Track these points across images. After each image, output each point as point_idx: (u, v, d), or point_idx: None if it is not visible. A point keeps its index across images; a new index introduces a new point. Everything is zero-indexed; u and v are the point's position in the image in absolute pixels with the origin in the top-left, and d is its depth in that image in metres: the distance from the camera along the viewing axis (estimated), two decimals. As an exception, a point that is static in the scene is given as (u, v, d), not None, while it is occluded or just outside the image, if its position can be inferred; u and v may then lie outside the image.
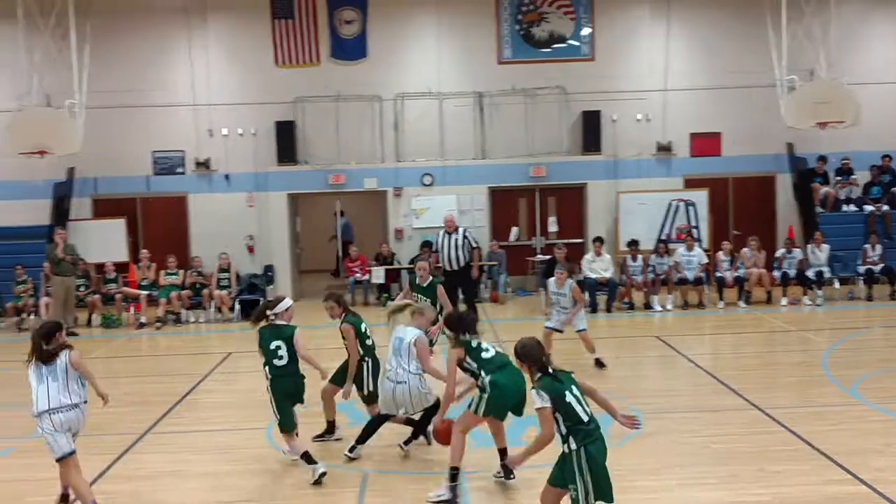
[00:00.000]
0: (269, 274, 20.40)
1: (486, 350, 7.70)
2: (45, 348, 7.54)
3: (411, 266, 19.86)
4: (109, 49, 19.88)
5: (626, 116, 20.96)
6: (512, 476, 7.72)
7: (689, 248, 18.16)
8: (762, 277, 17.86)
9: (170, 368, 14.29)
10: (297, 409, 8.37)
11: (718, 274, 18.06)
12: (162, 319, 17.94)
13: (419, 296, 11.32)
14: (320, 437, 9.28)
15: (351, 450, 8.62)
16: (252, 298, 18.62)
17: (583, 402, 5.98)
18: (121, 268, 19.22)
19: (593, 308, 17.26)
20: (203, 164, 20.93)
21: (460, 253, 15.57)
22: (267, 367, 8.27)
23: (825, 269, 17.94)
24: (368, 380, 9.02)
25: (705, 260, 18.22)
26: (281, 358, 8.22)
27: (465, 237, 15.72)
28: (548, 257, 19.00)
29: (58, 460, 7.48)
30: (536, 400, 5.93)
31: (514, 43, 21.10)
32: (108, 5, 19.33)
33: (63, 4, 17.55)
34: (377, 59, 20.98)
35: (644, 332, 15.67)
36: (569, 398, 5.91)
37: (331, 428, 9.33)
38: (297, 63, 20.89)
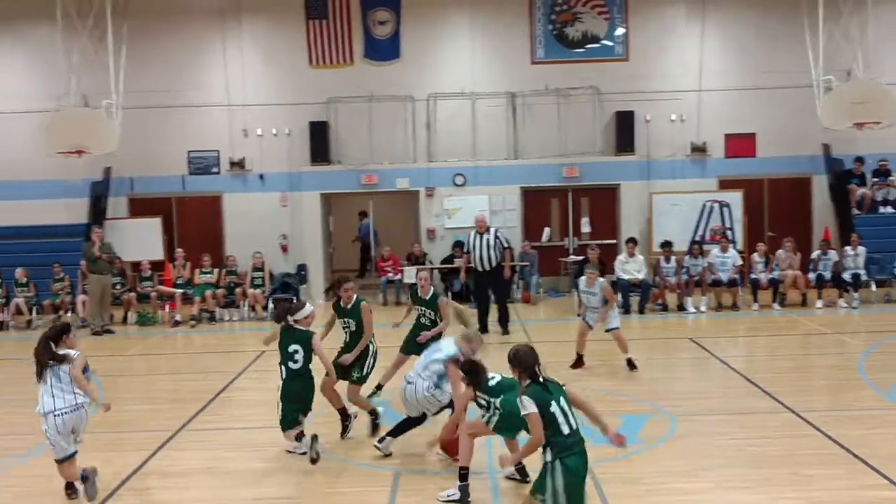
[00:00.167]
0: (302, 273, 20.51)
1: (492, 378, 7.74)
2: (54, 350, 7.68)
3: (443, 266, 20.00)
4: (146, 50, 20.08)
5: (660, 117, 20.85)
6: (528, 479, 7.68)
7: (724, 250, 18.03)
8: (797, 279, 17.70)
9: (204, 366, 14.42)
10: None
11: (753, 276, 17.91)
12: (196, 318, 18.10)
13: (420, 308, 11.12)
14: (345, 430, 9.37)
15: (381, 440, 8.71)
16: (285, 297, 18.71)
17: (569, 415, 6.02)
18: (156, 266, 19.41)
19: (626, 309, 17.19)
20: (238, 164, 21.09)
21: (492, 253, 15.54)
22: (282, 367, 8.56)
23: (861, 272, 17.74)
24: (369, 360, 9.46)
25: (740, 261, 18.08)
26: (296, 362, 8.48)
27: (496, 237, 15.68)
28: (580, 258, 18.95)
29: (58, 461, 7.63)
30: (524, 406, 6.03)
31: (548, 43, 21.06)
32: (145, 7, 19.52)
33: (101, 6, 17.73)
34: (410, 59, 21.03)
35: (677, 333, 15.58)
36: (553, 409, 5.98)
37: (344, 414, 9.39)
38: (330, 64, 20.99)
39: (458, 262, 19.02)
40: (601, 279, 12.31)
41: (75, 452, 7.65)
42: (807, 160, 20.78)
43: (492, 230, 15.82)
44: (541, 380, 6.16)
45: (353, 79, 20.93)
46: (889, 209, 19.94)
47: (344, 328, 9.59)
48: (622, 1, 20.96)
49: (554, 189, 20.89)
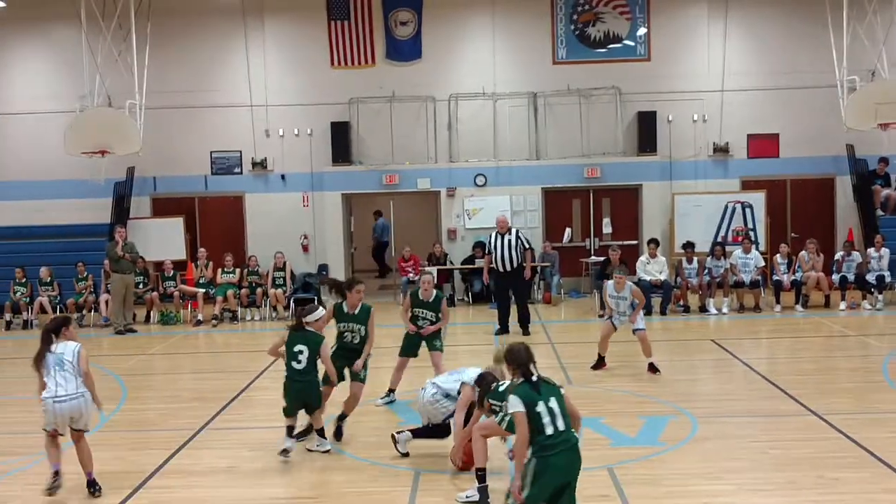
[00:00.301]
0: (323, 273, 20.54)
1: (502, 384, 7.71)
2: (55, 342, 7.95)
3: (464, 266, 20.00)
4: (169, 51, 20.20)
5: (682, 117, 20.77)
6: None
7: (746, 251, 17.91)
8: (820, 281, 17.57)
9: (226, 365, 14.49)
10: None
11: (776, 277, 17.80)
12: (218, 317, 18.18)
13: (420, 310, 11.02)
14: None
15: (400, 431, 8.75)
16: (306, 297, 18.77)
17: (557, 417, 5.97)
18: (179, 266, 19.51)
19: (648, 311, 17.09)
20: (260, 164, 21.18)
21: (514, 254, 15.51)
22: (287, 367, 8.74)
23: (886, 273, 17.58)
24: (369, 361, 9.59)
25: (762, 263, 17.96)
26: (300, 362, 8.65)
27: (518, 238, 15.65)
28: (601, 259, 18.88)
29: (46, 431, 7.86)
30: (511, 404, 6.03)
31: (569, 43, 21.02)
32: (168, 8, 19.62)
33: (124, 7, 17.85)
34: (431, 59, 21.05)
35: (699, 335, 15.50)
36: (539, 408, 5.95)
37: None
38: (352, 64, 21.04)
39: (479, 263, 19.02)
40: (630, 283, 12.25)
41: (61, 434, 7.89)
42: (830, 161, 20.64)
43: (513, 231, 15.78)
44: (533, 379, 6.11)
45: (375, 79, 20.96)
46: (914, 210, 19.78)
47: (345, 332, 9.49)
48: (644, 1, 20.88)
49: (575, 189, 20.84)
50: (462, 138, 21.02)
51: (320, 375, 8.95)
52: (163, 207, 21.29)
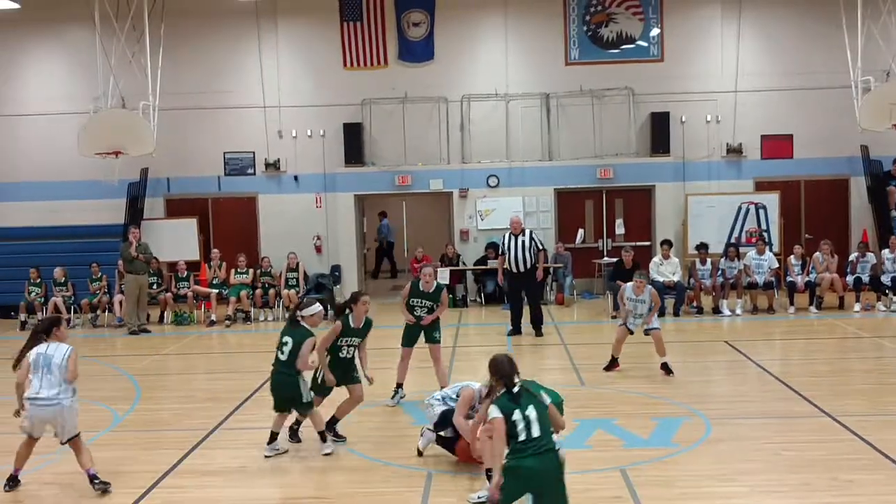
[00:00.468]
0: (336, 274, 20.59)
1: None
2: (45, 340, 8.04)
3: (477, 267, 20.00)
4: (182, 52, 20.25)
5: (696, 118, 20.71)
6: None
7: (760, 252, 17.84)
8: (834, 282, 17.49)
9: (239, 366, 14.53)
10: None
11: (789, 278, 17.73)
12: (231, 317, 18.23)
13: (420, 300, 11.04)
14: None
15: (428, 429, 8.76)
16: (319, 298, 18.76)
17: (531, 423, 6.18)
18: (192, 266, 19.57)
19: (661, 312, 17.03)
20: (273, 165, 21.23)
21: (527, 255, 15.49)
22: (274, 357, 8.93)
23: (901, 275, 17.51)
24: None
25: (776, 264, 17.89)
26: (283, 353, 8.82)
27: (532, 239, 15.63)
28: (614, 260, 18.85)
29: (22, 428, 8.01)
30: (490, 412, 6.34)
31: (582, 44, 20.99)
32: (181, 9, 19.67)
33: (138, 9, 17.92)
34: (444, 60, 21.05)
35: (713, 336, 15.45)
36: (515, 416, 6.20)
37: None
38: (364, 65, 21.06)
39: (491, 264, 19.02)
40: (650, 286, 12.22)
41: (38, 438, 8.00)
42: (845, 161, 20.54)
43: (527, 232, 15.76)
44: (515, 390, 6.35)
45: (387, 80, 20.98)
46: (929, 211, 19.66)
47: (343, 346, 9.37)
48: (657, 1, 20.83)
49: (588, 190, 20.81)
50: (474, 139, 21.02)
51: (308, 377, 8.99)
52: (176, 208, 21.37)
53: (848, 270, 17.80)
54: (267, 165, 21.25)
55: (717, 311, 17.51)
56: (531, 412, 6.24)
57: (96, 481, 7.96)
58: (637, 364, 12.53)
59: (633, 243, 19.49)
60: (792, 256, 17.94)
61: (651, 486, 7.71)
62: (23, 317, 18.56)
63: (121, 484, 8.19)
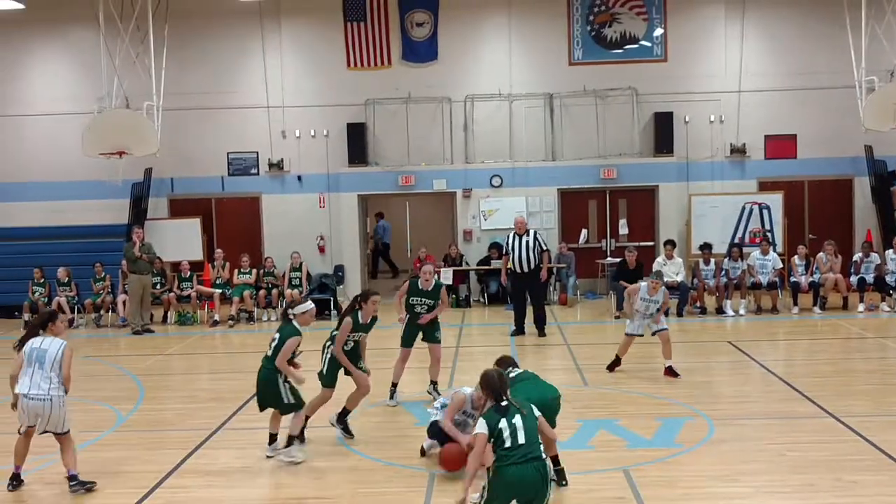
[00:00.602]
0: (339, 274, 20.60)
1: (511, 372, 8.03)
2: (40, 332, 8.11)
3: (480, 267, 20.00)
4: (186, 52, 20.29)
5: (699, 118, 20.69)
6: (564, 482, 7.66)
7: (765, 253, 17.82)
8: (838, 283, 17.47)
9: (242, 365, 14.48)
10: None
11: (793, 279, 17.71)
12: (235, 318, 18.24)
13: (418, 298, 11.00)
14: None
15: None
16: (322, 298, 18.82)
17: (516, 431, 6.33)
18: (196, 266, 19.58)
19: (665, 312, 17.02)
20: (276, 166, 21.24)
21: (531, 255, 15.47)
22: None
23: (905, 275, 17.48)
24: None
25: (780, 264, 17.87)
26: (270, 349, 8.73)
27: (535, 239, 15.61)
28: (618, 260, 18.85)
29: (20, 431, 8.06)
30: (478, 426, 6.49)
31: (586, 44, 20.97)
32: (185, 10, 19.69)
33: (142, 9, 17.94)
34: (447, 60, 21.05)
35: (716, 336, 15.43)
36: (501, 425, 6.36)
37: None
38: (368, 65, 21.06)
39: (495, 264, 19.03)
40: (664, 287, 12.20)
41: (30, 428, 8.02)
42: (848, 161, 20.51)
43: (531, 232, 15.75)
44: (502, 403, 6.51)
45: (391, 80, 20.98)
46: (933, 211, 19.62)
47: (353, 340, 9.44)
48: (661, 1, 20.81)
49: (591, 190, 20.80)
50: (478, 139, 21.01)
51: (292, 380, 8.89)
52: (180, 208, 21.39)
53: (852, 271, 17.79)
54: (270, 165, 21.26)
55: (720, 311, 17.50)
56: (517, 420, 6.39)
57: (73, 483, 8.01)
58: (640, 364, 12.52)
59: (636, 243, 19.49)
60: (796, 257, 17.92)
61: (654, 487, 7.71)
62: (26, 316, 18.58)
63: (124, 484, 8.22)
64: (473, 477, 6.58)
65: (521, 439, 6.31)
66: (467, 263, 20.29)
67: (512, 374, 7.95)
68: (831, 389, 11.06)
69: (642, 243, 20.08)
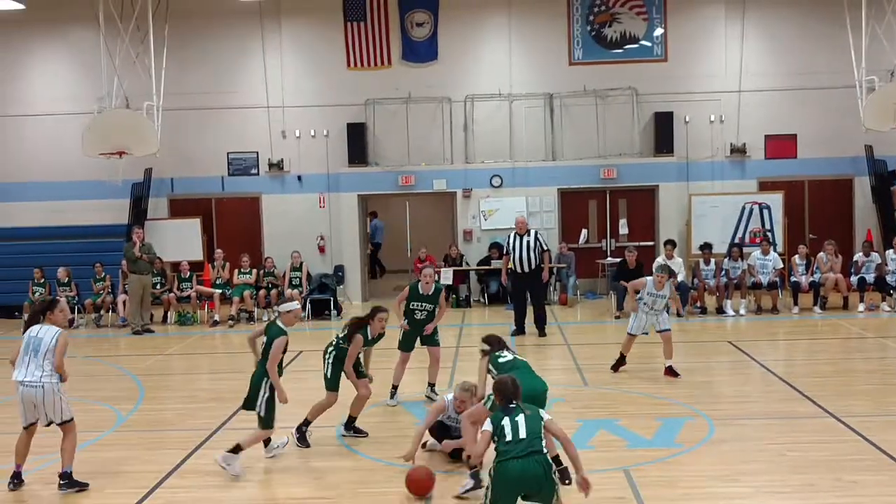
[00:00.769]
0: (339, 274, 20.60)
1: (503, 356, 8.39)
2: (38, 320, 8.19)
3: (480, 268, 20.00)
4: (186, 53, 20.28)
5: (699, 118, 20.68)
6: (568, 481, 7.57)
7: (765, 253, 17.81)
8: (839, 282, 17.46)
9: (242, 366, 14.36)
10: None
11: (793, 279, 17.71)
12: (235, 318, 18.23)
13: (419, 303, 10.98)
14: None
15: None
16: (323, 298, 18.83)
17: (518, 427, 6.38)
18: (196, 266, 19.58)
19: (677, 312, 17.02)
20: (276, 166, 21.23)
21: (532, 255, 15.47)
22: None
23: (905, 275, 17.47)
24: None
25: (780, 264, 17.86)
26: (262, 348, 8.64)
27: (536, 239, 15.60)
28: (618, 260, 18.86)
29: (24, 427, 8.08)
30: (484, 425, 6.62)
31: (586, 44, 20.97)
32: (185, 10, 19.68)
33: (142, 9, 17.94)
34: (447, 60, 21.04)
35: (716, 336, 15.43)
36: (504, 422, 6.44)
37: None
38: (368, 65, 21.06)
39: (495, 264, 19.03)
40: (670, 280, 12.15)
41: (33, 424, 8.05)
42: (849, 161, 20.51)
43: (532, 232, 15.75)
44: (511, 406, 6.56)
45: (391, 80, 20.98)
46: (933, 211, 19.61)
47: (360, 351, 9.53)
48: (661, 1, 20.81)
49: (591, 190, 20.80)
50: (478, 139, 21.01)
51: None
52: (180, 208, 21.38)
53: (852, 270, 17.79)
54: (270, 165, 21.26)
55: (720, 311, 17.50)
56: (520, 419, 6.44)
57: (64, 482, 8.02)
58: (641, 364, 12.52)
59: (636, 243, 19.49)
60: (796, 256, 17.91)
61: (654, 487, 7.71)
62: (27, 316, 18.53)
63: (124, 484, 8.22)
64: (477, 452, 6.78)
65: (522, 434, 6.35)
66: (467, 263, 20.29)
67: (502, 359, 8.22)
68: (831, 389, 11.06)
69: (642, 243, 20.07)
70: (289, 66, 21.24)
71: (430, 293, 10.99)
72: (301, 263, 19.12)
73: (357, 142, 20.73)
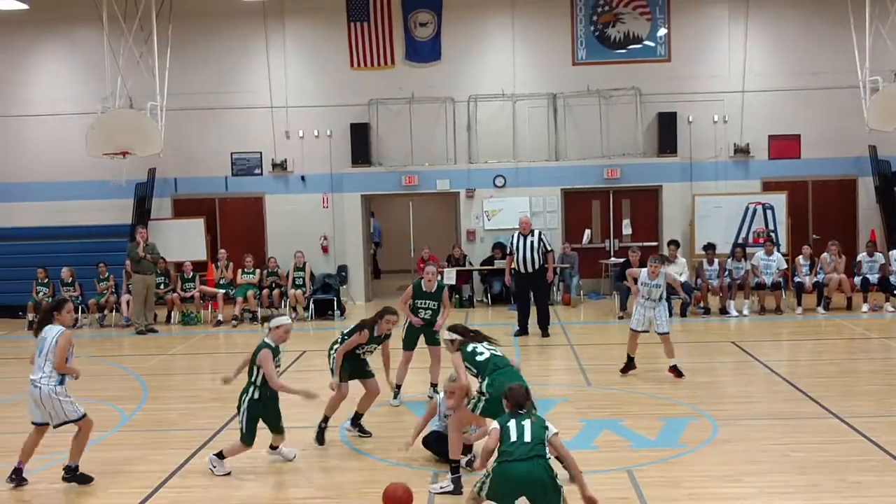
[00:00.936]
0: (342, 274, 20.61)
1: (481, 354, 8.14)
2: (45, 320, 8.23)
3: (483, 268, 20.00)
4: (190, 53, 20.29)
5: (703, 118, 20.67)
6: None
7: (769, 253, 17.80)
8: (842, 283, 17.44)
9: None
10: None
11: (797, 279, 17.69)
12: (238, 317, 18.24)
13: (422, 301, 11.06)
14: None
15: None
16: (326, 298, 18.84)
17: (523, 431, 6.43)
18: (199, 266, 19.60)
19: (668, 312, 16.97)
20: (280, 166, 21.24)
21: (536, 255, 15.46)
22: None
23: (909, 275, 17.44)
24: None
25: (784, 265, 17.84)
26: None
27: (540, 239, 15.60)
28: (621, 260, 18.84)
29: (32, 423, 8.17)
30: (492, 425, 6.72)
31: (589, 44, 20.96)
32: (189, 10, 19.67)
33: (146, 9, 17.94)
34: (451, 60, 21.04)
35: (720, 337, 15.42)
36: (510, 425, 6.52)
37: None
38: (371, 65, 21.06)
39: (498, 264, 19.02)
40: (664, 269, 12.11)
41: (39, 424, 8.11)
42: (852, 162, 20.49)
43: (536, 232, 15.74)
44: (520, 412, 6.63)
45: (394, 80, 20.98)
46: (937, 212, 19.59)
47: (366, 351, 9.56)
48: (664, 1, 20.80)
49: (595, 190, 20.79)
50: (481, 139, 21.02)
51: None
52: (184, 208, 21.40)
53: (856, 271, 17.76)
54: (274, 166, 21.27)
55: (724, 311, 17.48)
56: (526, 424, 6.48)
57: (66, 475, 8.10)
58: (644, 365, 12.50)
59: (640, 244, 19.46)
60: (801, 257, 17.88)
61: (658, 487, 7.70)
62: (30, 316, 18.59)
63: (127, 483, 8.23)
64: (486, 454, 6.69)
65: (527, 437, 6.37)
66: (471, 264, 20.28)
67: (480, 357, 8.05)
68: (835, 390, 11.05)
69: (646, 243, 20.03)
70: (292, 66, 21.25)
71: (433, 290, 11.06)
72: (304, 263, 19.13)
73: (360, 142, 20.73)
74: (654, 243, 20.36)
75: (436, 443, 8.59)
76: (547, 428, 6.54)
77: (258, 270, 19.17)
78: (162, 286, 18.73)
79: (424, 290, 11.07)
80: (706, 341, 15.13)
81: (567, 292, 19.65)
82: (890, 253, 17.95)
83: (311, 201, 21.29)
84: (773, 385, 11.57)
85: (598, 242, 21.01)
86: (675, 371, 11.92)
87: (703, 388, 11.53)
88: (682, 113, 20.56)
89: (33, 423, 8.16)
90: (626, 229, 20.78)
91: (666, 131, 20.41)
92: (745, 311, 17.36)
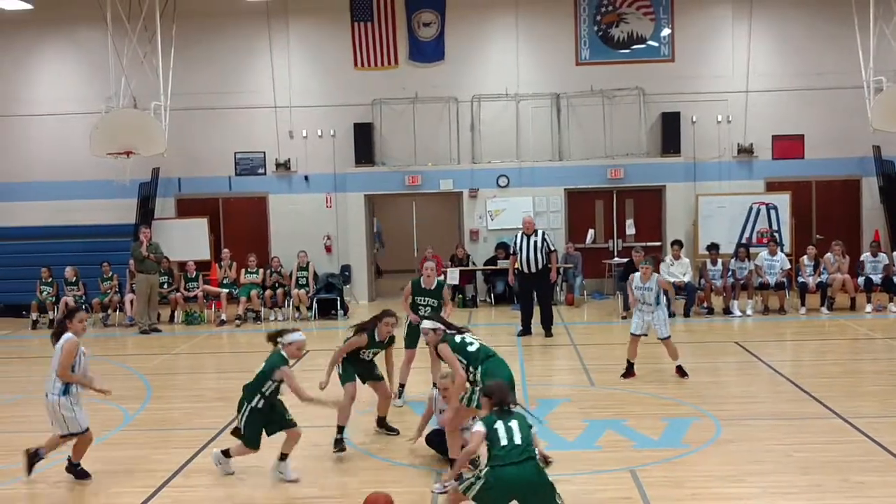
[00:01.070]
0: (346, 273, 20.62)
1: (471, 344, 8.16)
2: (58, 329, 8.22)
3: (487, 267, 19.99)
4: (194, 52, 20.29)
5: (707, 118, 20.66)
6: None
7: (773, 254, 17.78)
8: (846, 283, 17.42)
9: (249, 365, 14.33)
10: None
11: (801, 279, 17.67)
12: (242, 317, 18.26)
13: (422, 298, 11.05)
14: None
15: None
16: (329, 297, 18.84)
17: (513, 433, 6.39)
18: (203, 266, 19.61)
19: (671, 313, 17.00)
20: (283, 165, 21.26)
21: (539, 255, 15.45)
22: None
23: (913, 276, 17.42)
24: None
25: (788, 265, 17.82)
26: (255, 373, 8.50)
27: (544, 239, 15.58)
28: (625, 260, 18.83)
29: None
30: (476, 426, 6.61)
31: (593, 44, 20.96)
32: (193, 10, 19.70)
33: (150, 10, 17.97)
34: (454, 60, 21.05)
35: (723, 337, 15.41)
36: (497, 426, 6.45)
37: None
38: (375, 65, 21.08)
39: (501, 264, 19.02)
40: (656, 274, 12.11)
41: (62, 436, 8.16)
42: (856, 162, 20.47)
43: (539, 232, 15.72)
44: (504, 408, 6.60)
45: (398, 80, 21.00)
46: (941, 212, 19.56)
47: (371, 353, 9.51)
48: (668, 1, 20.79)
49: (598, 190, 20.79)
50: (485, 139, 21.02)
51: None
52: (187, 208, 21.42)
53: (859, 271, 17.74)
54: (277, 165, 21.28)
55: (727, 311, 17.47)
56: (514, 424, 6.45)
57: (68, 466, 8.21)
58: (647, 365, 12.49)
59: (643, 244, 19.46)
60: (805, 257, 17.87)
61: (661, 487, 7.70)
62: (34, 316, 18.65)
63: (131, 483, 8.24)
64: (465, 459, 6.89)
65: (518, 440, 6.36)
66: (474, 263, 20.28)
67: (471, 347, 8.05)
68: (839, 390, 11.04)
69: (649, 243, 20.04)
70: (296, 66, 21.27)
71: (432, 287, 11.07)
72: (308, 263, 19.14)
73: (364, 142, 20.75)
74: (658, 243, 20.35)
75: (438, 440, 8.60)
76: (531, 425, 6.58)
77: (262, 270, 19.17)
78: (165, 286, 18.75)
79: (423, 286, 11.09)
80: (709, 341, 15.13)
81: (570, 292, 19.65)
82: (894, 253, 17.94)
83: (315, 201, 21.30)
84: (777, 385, 11.56)
85: (602, 242, 21.01)
86: (680, 371, 11.91)
87: (707, 388, 11.52)
88: (685, 113, 20.55)
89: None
90: (630, 229, 20.77)
91: (669, 131, 20.40)
92: (749, 312, 17.34)
